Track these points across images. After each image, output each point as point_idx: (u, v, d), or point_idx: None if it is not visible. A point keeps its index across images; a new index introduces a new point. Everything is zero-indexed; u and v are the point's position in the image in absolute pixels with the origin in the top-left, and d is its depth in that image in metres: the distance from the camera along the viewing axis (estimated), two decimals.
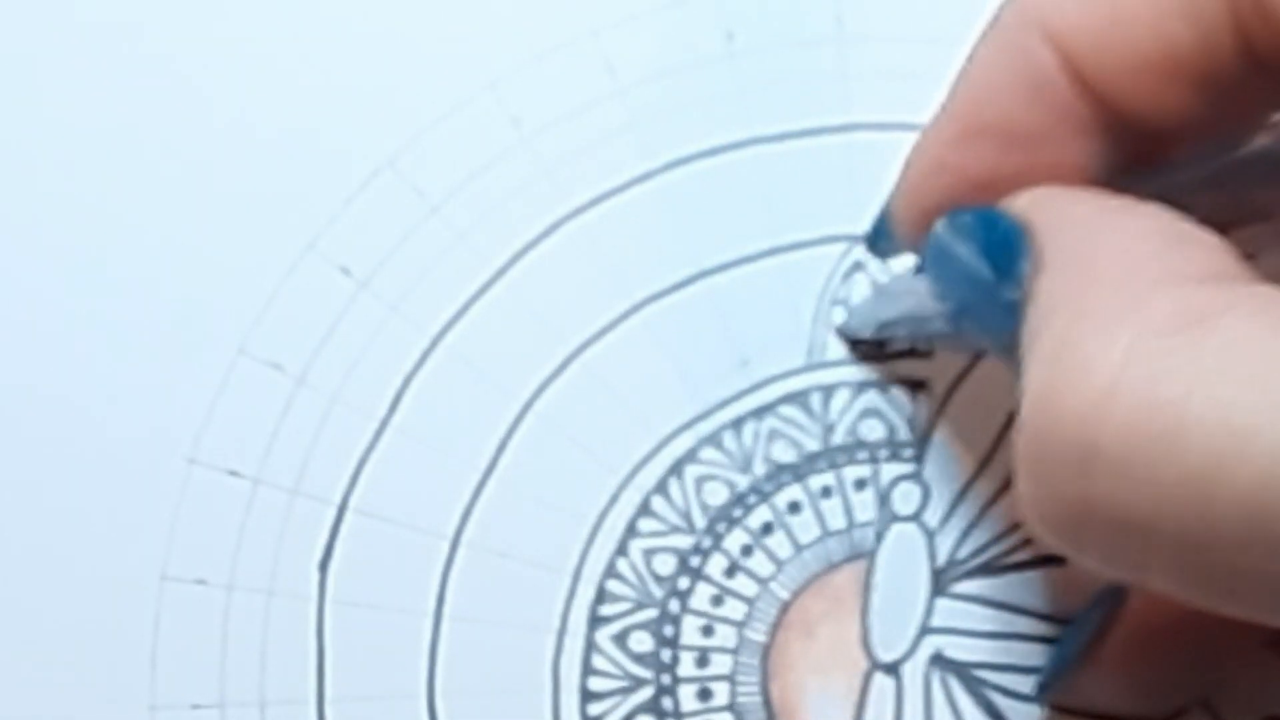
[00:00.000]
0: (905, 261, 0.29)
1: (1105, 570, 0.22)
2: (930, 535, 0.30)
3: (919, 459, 0.30)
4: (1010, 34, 0.25)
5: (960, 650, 0.29)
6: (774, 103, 0.31)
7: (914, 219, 0.27)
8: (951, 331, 0.27)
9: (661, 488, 0.30)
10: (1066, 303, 0.22)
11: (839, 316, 0.30)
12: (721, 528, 0.30)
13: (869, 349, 0.30)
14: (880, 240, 0.29)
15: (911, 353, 0.30)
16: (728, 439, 0.30)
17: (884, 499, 0.30)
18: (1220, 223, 0.23)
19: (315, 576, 0.30)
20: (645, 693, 0.29)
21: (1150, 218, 0.23)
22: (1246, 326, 0.20)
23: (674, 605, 0.30)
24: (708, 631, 0.30)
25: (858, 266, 0.31)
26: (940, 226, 0.25)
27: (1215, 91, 0.24)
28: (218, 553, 0.30)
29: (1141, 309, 0.21)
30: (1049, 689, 0.28)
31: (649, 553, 0.30)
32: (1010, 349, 0.23)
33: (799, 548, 0.30)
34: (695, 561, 0.30)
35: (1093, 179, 0.25)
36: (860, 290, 0.30)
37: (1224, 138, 0.25)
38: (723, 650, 0.29)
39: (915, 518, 0.30)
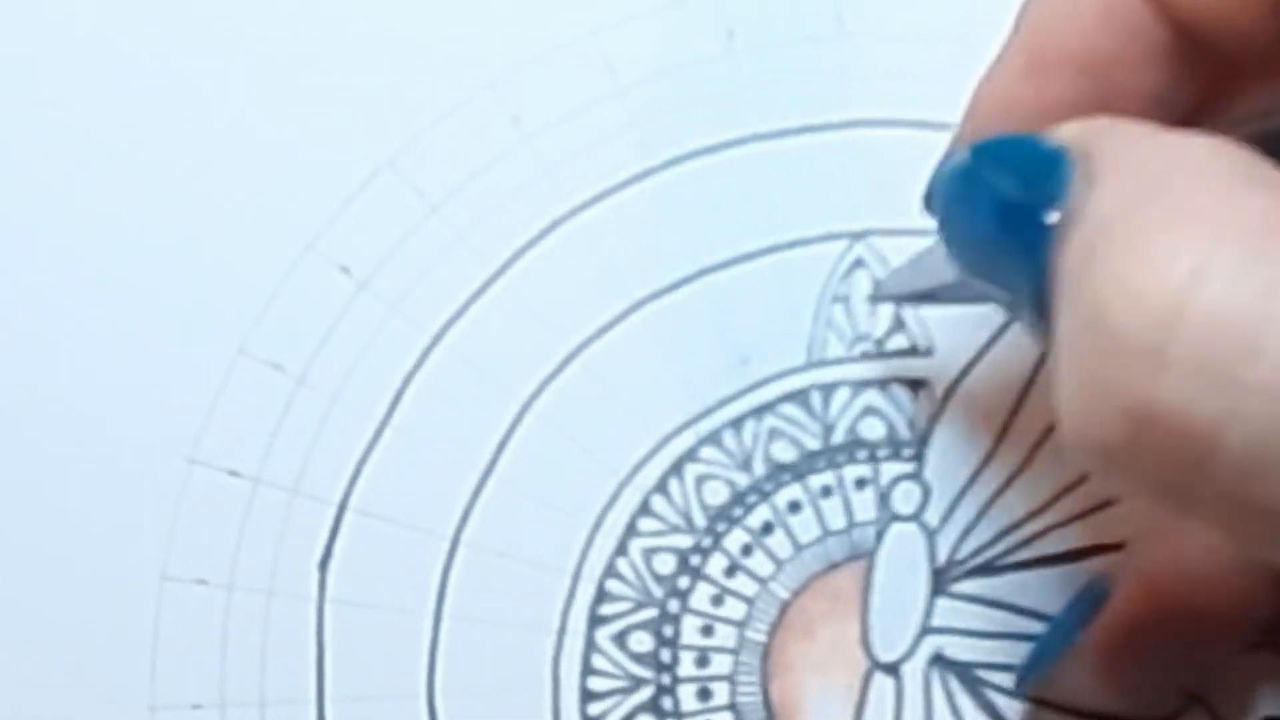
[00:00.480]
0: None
1: (1152, 495, 0.20)
2: (930, 535, 0.30)
3: (919, 459, 0.30)
4: None
5: (960, 650, 0.29)
6: (774, 101, 0.31)
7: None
8: (978, 294, 0.26)
9: (661, 487, 0.30)
10: (1136, 204, 0.20)
11: (840, 314, 0.30)
12: (721, 527, 0.30)
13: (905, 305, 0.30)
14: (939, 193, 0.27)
15: (912, 352, 0.30)
16: (728, 438, 0.30)
17: (884, 498, 0.30)
18: None
19: (315, 576, 0.30)
20: (645, 692, 0.29)
21: (1212, 140, 0.21)
22: None
23: (674, 605, 0.30)
24: (708, 631, 0.29)
25: (858, 264, 0.31)
26: (963, 155, 0.24)
27: None
28: (218, 553, 0.30)
29: (1219, 212, 0.19)
30: (1028, 682, 0.28)
31: (649, 552, 0.30)
32: (1034, 302, 0.22)
33: (799, 547, 0.30)
34: (695, 561, 0.30)
35: (1168, 117, 0.24)
36: (860, 288, 0.30)
37: None
38: (723, 650, 0.29)
39: (915, 518, 0.30)
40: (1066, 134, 0.22)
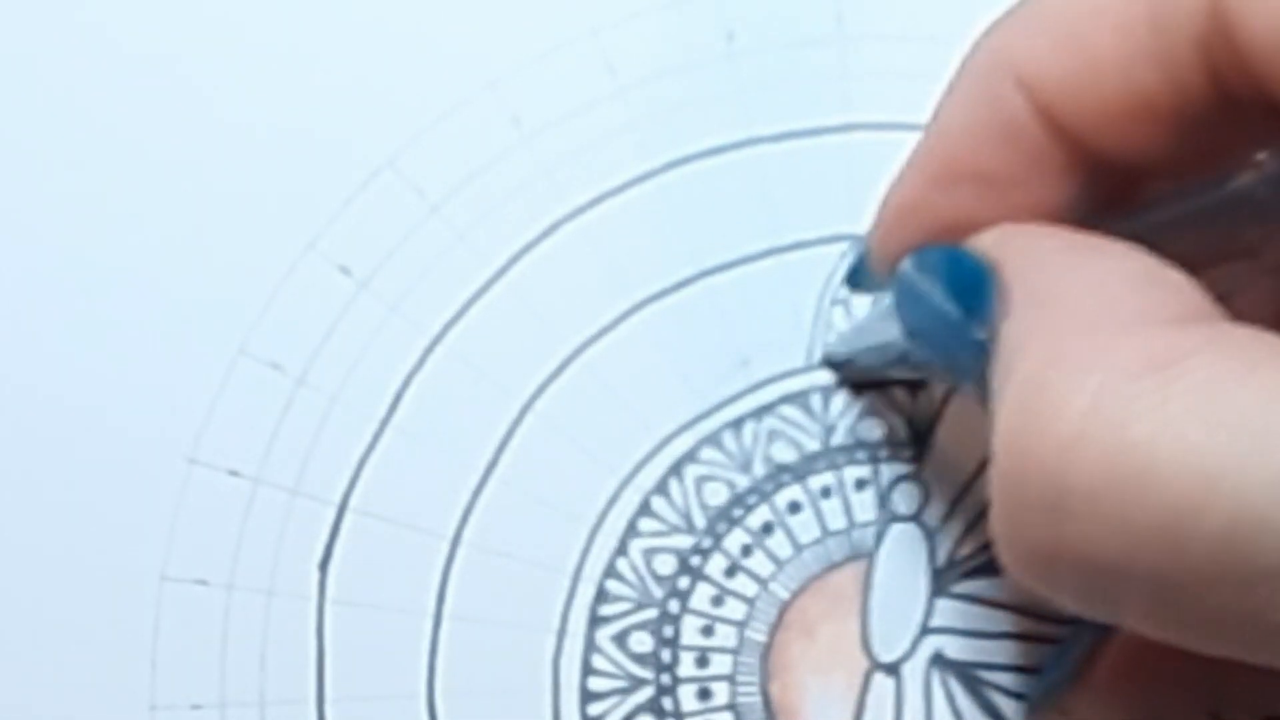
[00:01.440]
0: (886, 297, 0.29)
1: (1080, 610, 0.22)
2: (930, 535, 0.30)
3: (919, 459, 0.30)
4: (981, 78, 0.25)
5: (960, 650, 0.29)
6: (774, 103, 0.31)
7: (889, 259, 0.26)
8: (926, 364, 0.27)
9: (662, 488, 0.30)
10: (1034, 345, 0.22)
11: (839, 316, 0.30)
12: (721, 528, 0.30)
13: (853, 375, 0.30)
14: (859, 277, 0.29)
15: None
16: (728, 439, 0.30)
17: (884, 499, 0.30)
18: (1199, 261, 0.23)
19: (315, 576, 0.30)
20: (645, 693, 0.29)
21: (1118, 258, 0.23)
22: (1214, 369, 0.20)
23: (674, 605, 0.30)
24: (708, 631, 0.30)
25: None
26: (907, 264, 0.25)
27: (1190, 131, 0.24)
28: (218, 553, 0.30)
29: (1110, 352, 0.21)
30: (1039, 710, 0.29)
31: (649, 553, 0.30)
32: (980, 385, 0.23)
33: (799, 548, 0.30)
34: (695, 561, 0.30)
35: (1069, 219, 0.25)
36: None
37: (1201, 176, 0.25)
38: (723, 650, 0.29)
39: (915, 518, 0.30)
40: (983, 245, 0.24)
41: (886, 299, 0.28)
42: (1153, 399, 0.20)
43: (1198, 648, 0.21)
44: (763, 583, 0.30)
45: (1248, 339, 0.20)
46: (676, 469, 0.30)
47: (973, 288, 0.23)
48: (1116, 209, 0.25)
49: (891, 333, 0.27)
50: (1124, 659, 0.27)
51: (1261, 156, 0.25)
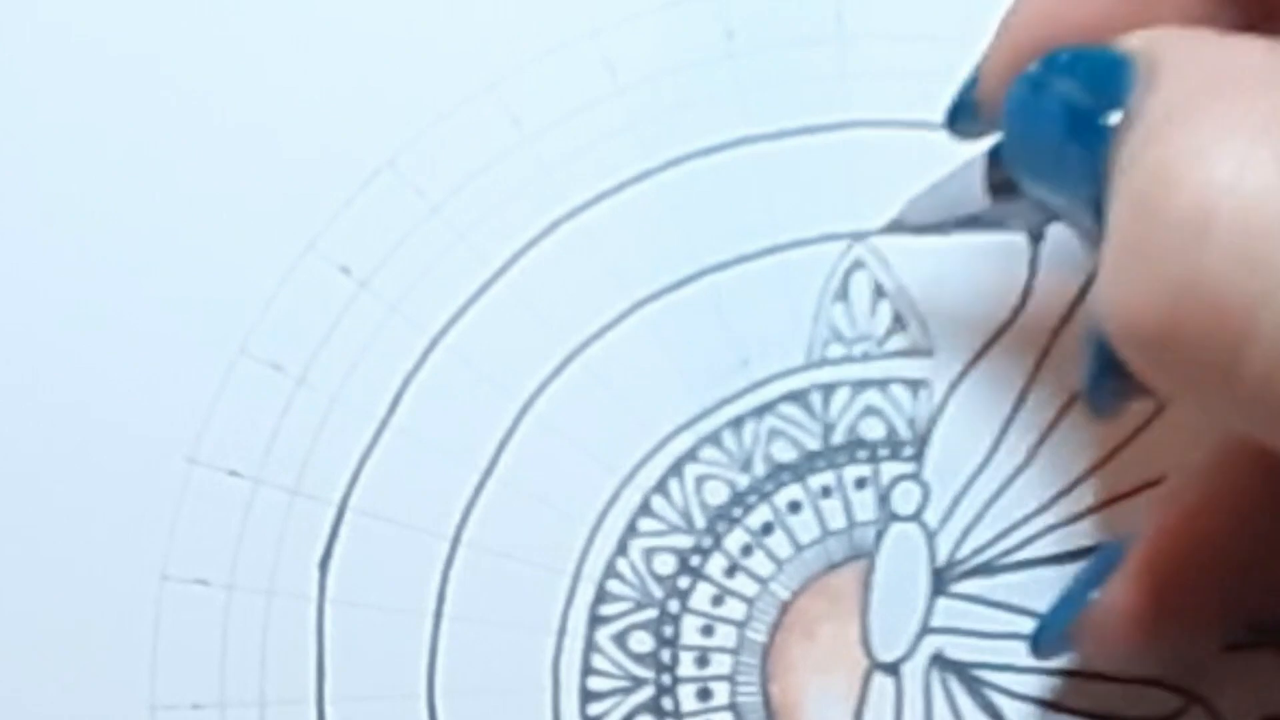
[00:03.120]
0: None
1: (1184, 383, 0.21)
2: (930, 535, 0.30)
3: (919, 459, 0.30)
4: None
5: (960, 650, 0.29)
6: (774, 101, 0.31)
7: (1009, 76, 0.25)
8: (1002, 220, 0.26)
9: (661, 487, 0.30)
10: (1188, 103, 0.21)
11: (839, 314, 0.30)
12: (721, 527, 0.30)
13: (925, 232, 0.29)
14: (963, 110, 0.27)
15: (912, 352, 0.30)
16: (728, 438, 0.30)
17: (884, 499, 0.30)
18: None
19: (315, 576, 0.30)
20: (645, 693, 0.29)
21: (1269, 42, 0.22)
22: None
23: (674, 605, 0.30)
24: (708, 631, 0.29)
25: (858, 265, 0.31)
26: (1034, 65, 0.24)
27: None
28: (218, 553, 0.30)
29: (1270, 106, 0.20)
30: (1046, 642, 0.28)
31: (649, 552, 0.30)
32: (1089, 199, 0.22)
33: (799, 547, 0.30)
34: (695, 561, 0.30)
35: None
36: (860, 289, 0.30)
37: None
38: (723, 650, 0.29)
39: (915, 518, 0.30)
40: (1132, 44, 0.23)
41: (962, 165, 0.28)
42: None
43: None
44: (763, 582, 0.30)
45: None
46: (676, 468, 0.30)
47: (1111, 75, 0.22)
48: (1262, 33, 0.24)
49: (968, 195, 0.27)
50: (1146, 577, 0.26)
51: None
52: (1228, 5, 0.24)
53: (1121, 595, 0.26)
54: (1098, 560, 0.27)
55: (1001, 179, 0.26)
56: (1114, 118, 0.22)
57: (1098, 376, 0.23)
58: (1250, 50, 0.22)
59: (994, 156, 0.26)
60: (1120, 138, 0.21)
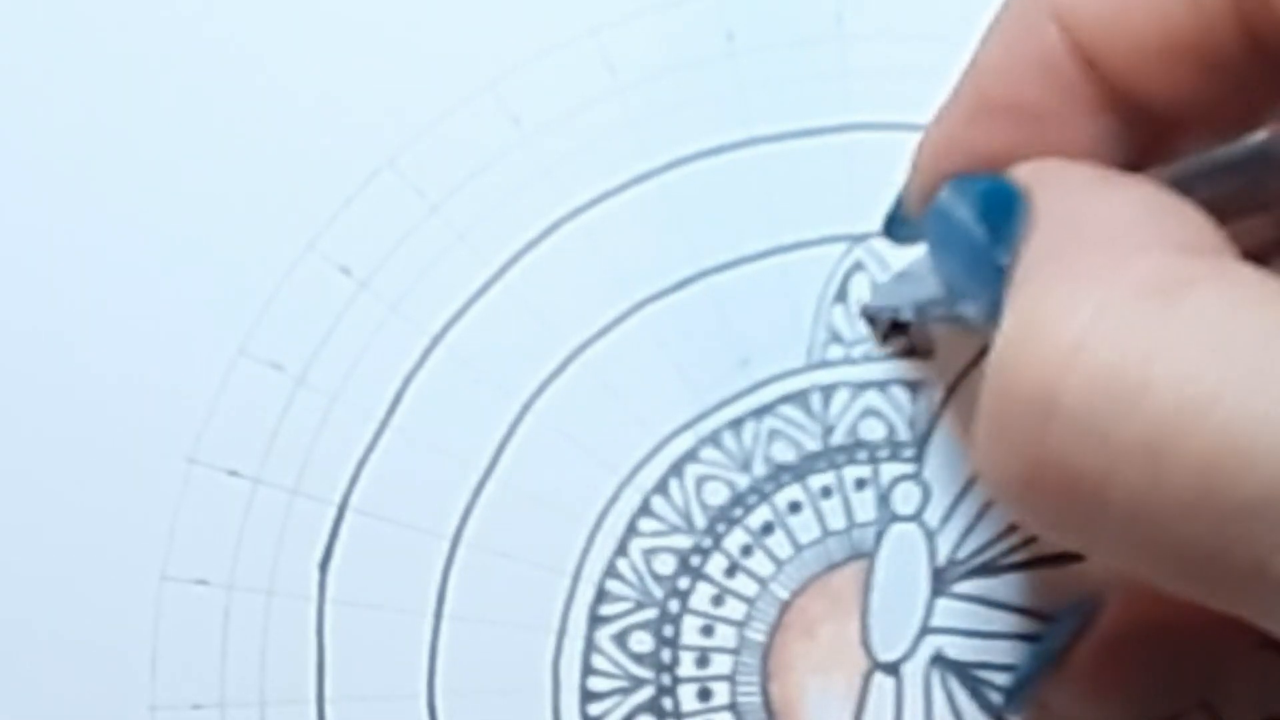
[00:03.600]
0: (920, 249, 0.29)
1: (1055, 536, 0.22)
2: (930, 535, 0.30)
3: (919, 459, 0.30)
4: (1020, 13, 0.25)
5: (960, 650, 0.29)
6: (774, 102, 0.31)
7: (925, 198, 0.26)
8: (956, 314, 0.27)
9: (662, 487, 0.30)
10: (1046, 261, 0.22)
11: (839, 316, 0.30)
12: (721, 528, 0.30)
13: (889, 331, 0.30)
14: (895, 224, 0.29)
15: (912, 352, 0.30)
16: (728, 439, 0.30)
17: (884, 499, 0.30)
18: (1229, 212, 0.23)
19: (315, 576, 0.30)
20: (645, 693, 0.29)
21: (1141, 189, 0.23)
22: (1218, 297, 0.20)
23: (674, 605, 0.30)
24: (708, 631, 0.30)
25: (858, 266, 0.31)
26: (944, 190, 0.25)
27: (1221, 77, 0.24)
28: (218, 553, 0.30)
29: (1117, 271, 0.21)
30: (1017, 698, 0.29)
31: (649, 552, 0.30)
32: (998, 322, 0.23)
33: (799, 548, 0.30)
34: (695, 561, 0.30)
35: (1109, 162, 0.25)
36: (861, 290, 0.30)
37: (1234, 125, 0.25)
38: (723, 650, 0.29)
39: (915, 518, 0.30)
40: (1019, 177, 0.24)
41: (922, 250, 0.28)
42: (1155, 319, 0.20)
43: (1169, 586, 0.21)
44: (763, 582, 0.30)
45: (1255, 276, 0.20)
46: (676, 469, 0.30)
47: (1003, 210, 0.23)
48: (1149, 159, 0.25)
49: (927, 284, 0.27)
50: (1106, 650, 0.27)
51: None
52: (1118, 126, 0.25)
53: (1082, 658, 0.27)
54: (1069, 614, 0.28)
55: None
56: (1005, 259, 0.23)
57: None
58: (1117, 203, 0.23)
59: None
60: (1009, 278, 0.23)
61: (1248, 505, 0.19)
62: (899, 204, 0.28)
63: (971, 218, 0.24)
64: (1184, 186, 0.23)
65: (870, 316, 0.30)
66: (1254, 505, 0.19)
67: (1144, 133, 0.25)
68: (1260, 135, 0.25)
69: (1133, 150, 0.25)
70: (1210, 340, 0.19)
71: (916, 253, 0.29)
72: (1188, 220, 0.22)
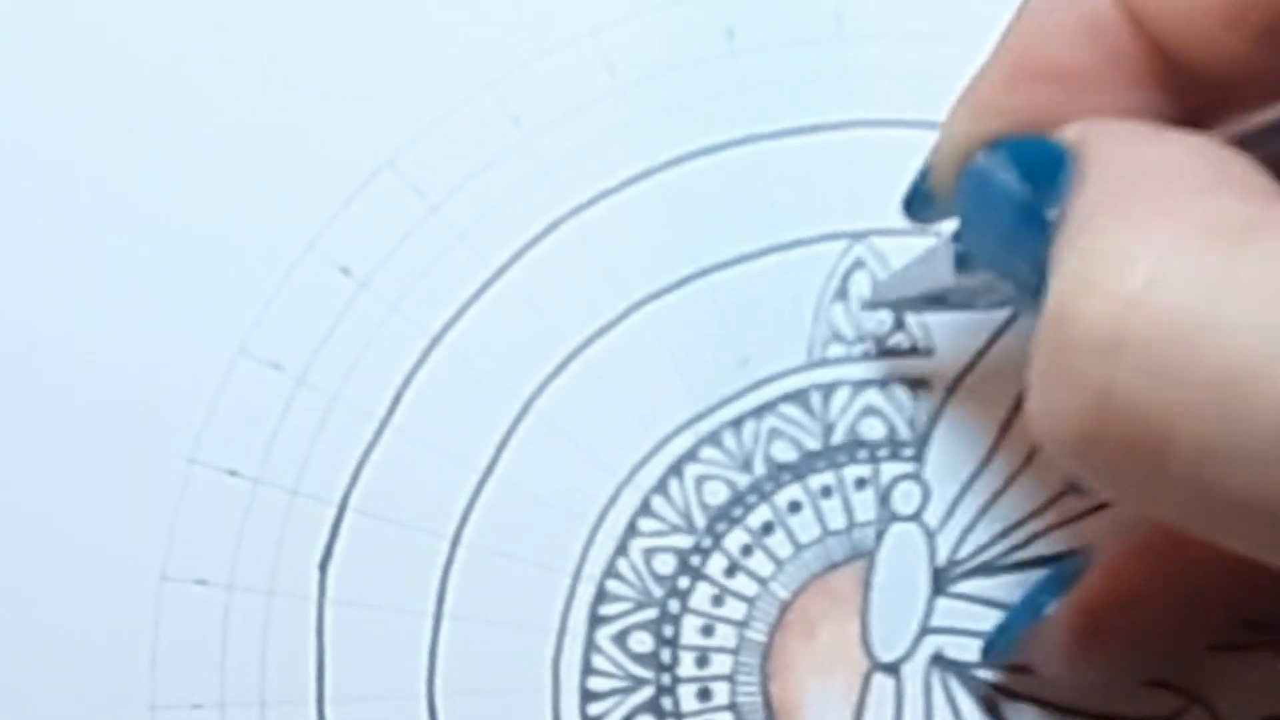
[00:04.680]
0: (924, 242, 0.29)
1: (1114, 489, 0.21)
2: (930, 535, 0.30)
3: (919, 459, 0.30)
4: None
5: (960, 650, 0.29)
6: (774, 100, 0.31)
7: (957, 166, 0.26)
8: (970, 299, 0.26)
9: (661, 487, 0.30)
10: (1107, 205, 0.21)
11: (840, 314, 0.30)
12: (721, 527, 0.30)
13: (889, 330, 0.30)
14: (918, 199, 0.28)
15: (912, 352, 0.30)
16: (728, 438, 0.30)
17: (884, 498, 0.30)
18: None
19: (315, 576, 0.30)
20: (645, 692, 0.29)
21: (1197, 141, 0.22)
22: None
23: (674, 605, 0.30)
24: (708, 631, 0.29)
25: (858, 264, 0.30)
26: (982, 154, 0.25)
27: (1275, 43, 0.23)
28: (218, 553, 0.30)
29: (1184, 212, 0.20)
30: (996, 651, 0.28)
31: (649, 552, 0.30)
32: (1037, 288, 0.22)
33: (799, 547, 0.30)
34: (695, 561, 0.30)
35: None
36: (861, 289, 0.30)
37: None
38: (723, 650, 0.29)
39: (915, 517, 0.30)
40: (1067, 135, 0.23)
41: (933, 240, 0.28)
42: (1222, 262, 0.19)
43: (1227, 536, 0.20)
44: (763, 582, 0.30)
45: None
46: (676, 468, 0.30)
47: (1049, 170, 0.23)
48: (1198, 125, 0.25)
49: (935, 275, 0.27)
50: (1088, 611, 0.27)
51: None
52: (1164, 95, 0.25)
53: (1065, 615, 0.27)
54: (1056, 573, 0.27)
55: (966, 259, 0.27)
56: (1053, 213, 0.22)
57: None
58: (1174, 151, 0.22)
59: (958, 238, 0.27)
60: (1058, 232, 0.22)
61: None
62: (923, 178, 0.27)
63: (1015, 178, 0.23)
64: (1237, 146, 0.23)
65: (876, 306, 0.30)
66: None
67: (1194, 98, 0.24)
68: None
69: (1182, 117, 0.24)
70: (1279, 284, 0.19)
71: (917, 248, 0.29)
72: (1247, 169, 0.22)
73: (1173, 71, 0.24)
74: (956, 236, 0.27)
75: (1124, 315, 0.20)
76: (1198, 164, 0.22)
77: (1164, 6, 0.24)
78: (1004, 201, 0.24)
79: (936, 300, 0.28)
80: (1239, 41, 0.23)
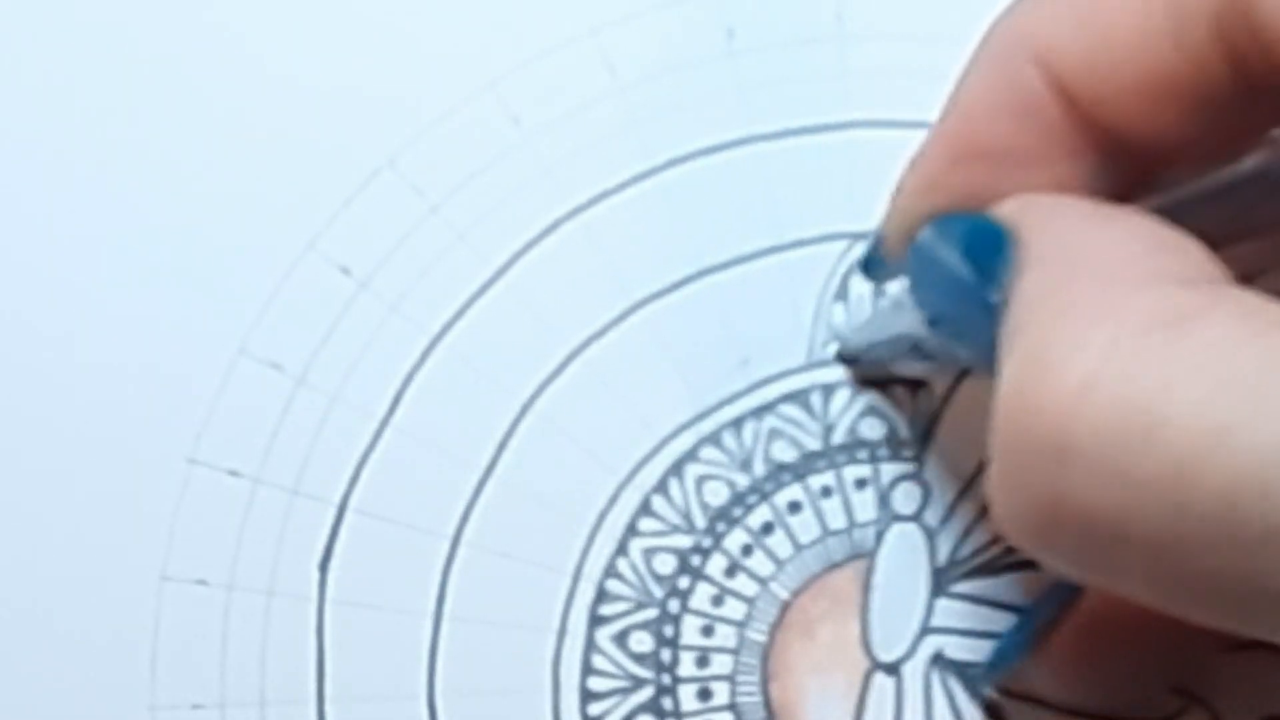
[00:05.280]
0: (899, 285, 0.29)
1: (1076, 575, 0.22)
2: (930, 535, 0.30)
3: (919, 459, 0.30)
4: (1000, 55, 0.25)
5: (960, 650, 0.29)
6: (774, 101, 0.31)
7: (906, 238, 0.26)
8: (940, 350, 0.27)
9: (662, 487, 0.30)
10: (1046, 300, 0.22)
11: (839, 315, 0.30)
12: (722, 527, 0.30)
13: (866, 372, 0.30)
14: (874, 264, 0.29)
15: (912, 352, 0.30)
16: (728, 438, 0.30)
17: (884, 499, 0.30)
18: (1220, 239, 0.23)
19: (315, 576, 0.30)
20: (645, 693, 0.29)
21: (1133, 222, 0.23)
22: (1224, 327, 0.20)
23: (674, 605, 0.30)
24: (708, 631, 0.29)
25: (858, 264, 0.30)
26: (925, 231, 0.25)
27: (1207, 112, 0.24)
28: (218, 553, 0.30)
29: (1121, 307, 0.20)
30: (994, 673, 0.28)
31: (649, 552, 0.30)
32: (991, 359, 0.23)
33: (799, 547, 0.30)
34: (695, 561, 0.30)
35: (1089, 197, 0.25)
36: (861, 289, 0.30)
37: (1220, 156, 0.25)
38: (723, 650, 0.29)
39: (915, 518, 0.30)
40: (1004, 212, 0.24)
41: (896, 289, 0.28)
42: (1162, 354, 0.20)
43: (1195, 616, 0.20)
44: (763, 582, 0.30)
45: (1256, 302, 0.20)
46: (676, 468, 0.30)
47: (990, 249, 0.23)
48: (1134, 193, 0.25)
49: (903, 324, 0.27)
50: (1084, 632, 0.27)
51: (1277, 133, 0.24)
52: (1100, 167, 0.25)
53: (1073, 630, 0.27)
54: (1049, 596, 0.28)
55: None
56: (996, 297, 0.23)
57: None
58: (1112, 236, 0.22)
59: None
60: (1002, 318, 0.22)
61: (1273, 531, 0.19)
62: (877, 244, 0.28)
63: (956, 257, 0.24)
64: (1174, 216, 0.23)
65: (845, 360, 0.30)
66: (1277, 532, 0.19)
67: (1129, 167, 0.25)
68: (1247, 163, 0.25)
69: (1118, 183, 0.25)
70: (1221, 370, 0.19)
71: (889, 295, 0.29)
72: (1184, 250, 0.22)
73: (1106, 144, 0.24)
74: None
75: (1069, 415, 0.20)
76: (1135, 250, 0.22)
77: (1093, 85, 0.24)
78: (949, 282, 0.24)
79: (910, 350, 0.28)
80: (1170, 116, 0.24)
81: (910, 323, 0.27)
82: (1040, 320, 0.21)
